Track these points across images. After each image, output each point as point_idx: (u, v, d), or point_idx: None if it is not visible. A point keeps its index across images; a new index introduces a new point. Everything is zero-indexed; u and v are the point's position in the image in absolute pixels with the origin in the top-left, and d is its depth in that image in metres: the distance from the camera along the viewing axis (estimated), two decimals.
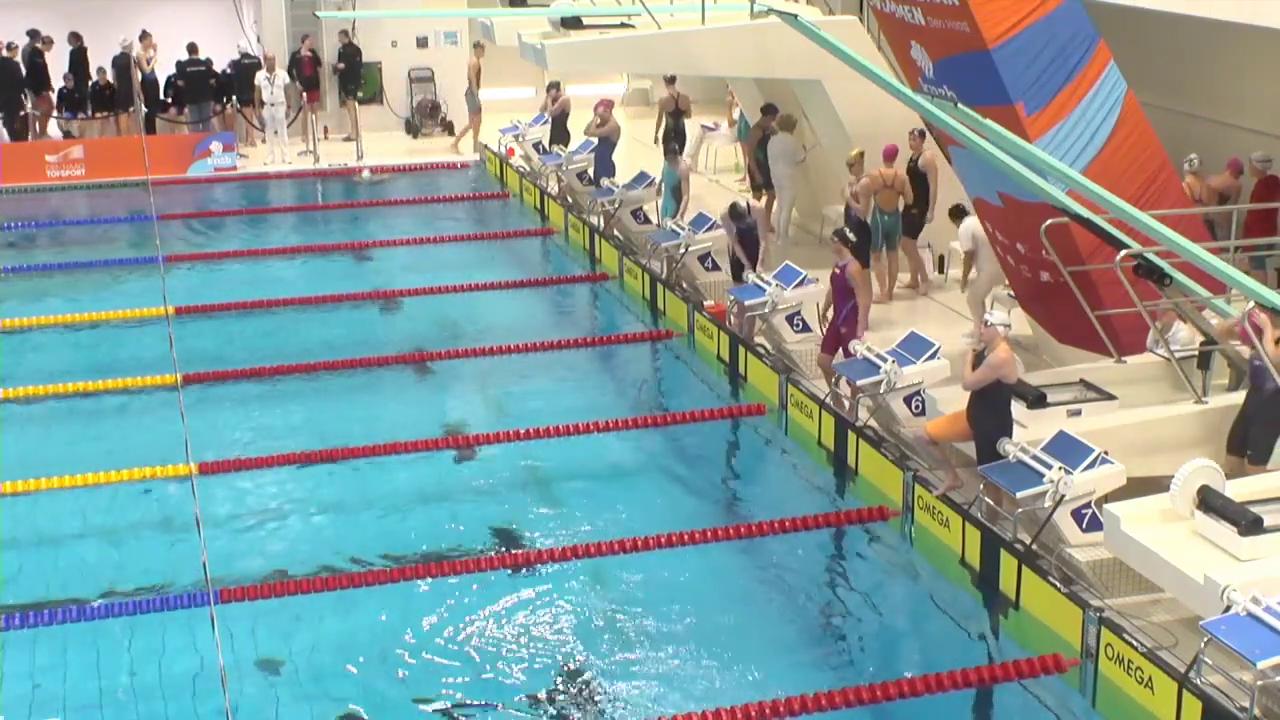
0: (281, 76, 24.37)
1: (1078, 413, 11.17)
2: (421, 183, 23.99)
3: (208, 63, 24.93)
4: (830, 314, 13.50)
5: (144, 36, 24.99)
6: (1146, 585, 9.47)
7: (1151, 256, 10.72)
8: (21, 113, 24.32)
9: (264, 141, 24.83)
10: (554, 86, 22.93)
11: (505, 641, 9.88)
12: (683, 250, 16.52)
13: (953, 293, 16.11)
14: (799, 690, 8.94)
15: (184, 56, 24.92)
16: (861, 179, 15.83)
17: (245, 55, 25.09)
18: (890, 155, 15.88)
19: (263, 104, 24.45)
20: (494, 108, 26.86)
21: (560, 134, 22.20)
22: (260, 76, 24.40)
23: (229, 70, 25.31)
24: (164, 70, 25.15)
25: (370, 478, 12.38)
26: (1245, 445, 10.41)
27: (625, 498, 12.12)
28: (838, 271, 13.14)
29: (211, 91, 24.96)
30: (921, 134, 16.02)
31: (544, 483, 12.46)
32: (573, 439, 12.96)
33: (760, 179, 19.19)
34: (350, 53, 25.75)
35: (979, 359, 10.63)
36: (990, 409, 10.54)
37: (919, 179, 16.09)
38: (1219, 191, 14.73)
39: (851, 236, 13.48)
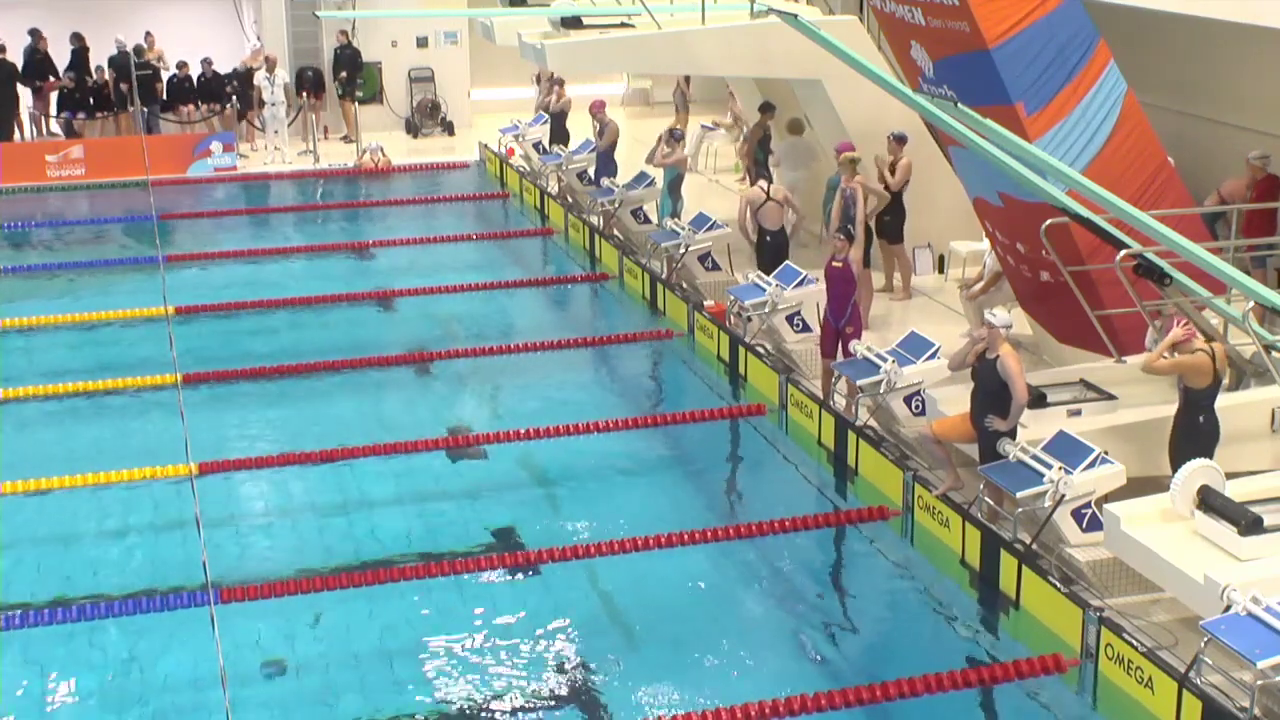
0: (281, 76, 24.37)
1: (1078, 413, 11.18)
2: (421, 183, 24.00)
3: (154, 66, 24.87)
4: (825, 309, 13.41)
5: (147, 37, 25.05)
6: (1146, 585, 9.47)
7: (1151, 256, 10.71)
8: (15, 110, 24.36)
9: (265, 146, 24.83)
10: (559, 84, 22.97)
11: (505, 641, 9.86)
12: (683, 250, 16.52)
13: (952, 293, 16.10)
14: (799, 690, 8.94)
15: (190, 59, 25.04)
16: (855, 179, 15.72)
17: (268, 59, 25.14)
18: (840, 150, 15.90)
19: (262, 104, 24.48)
20: (493, 108, 26.94)
21: (560, 133, 22.21)
22: (260, 76, 24.42)
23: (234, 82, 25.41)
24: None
25: (370, 478, 12.37)
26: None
27: (625, 498, 12.12)
28: (838, 266, 13.09)
29: (157, 95, 24.80)
30: (891, 145, 15.95)
31: (544, 483, 12.46)
32: (573, 439, 12.95)
33: (756, 178, 19.15)
34: (350, 55, 25.76)
35: (981, 360, 10.64)
36: (994, 410, 10.54)
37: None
38: (1224, 196, 14.66)
39: (854, 231, 13.47)
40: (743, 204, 15.91)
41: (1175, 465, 9.86)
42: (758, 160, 19.04)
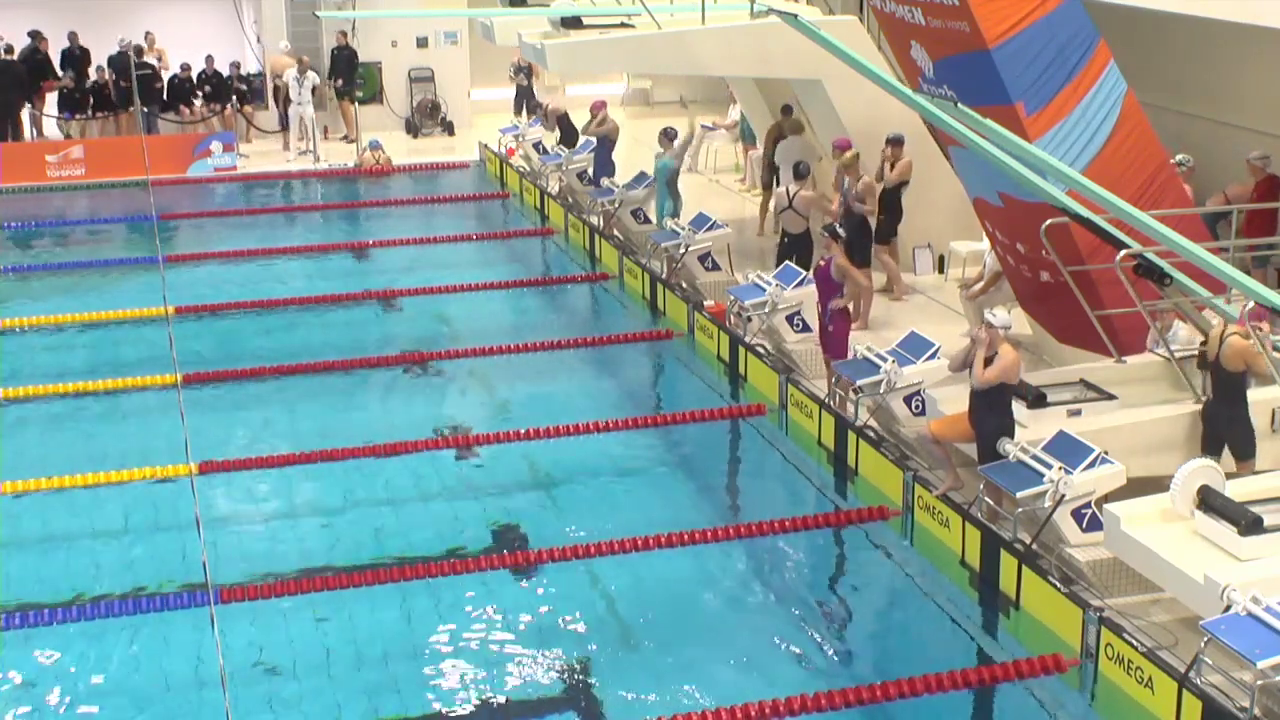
0: (312, 78, 24.42)
1: (1078, 413, 11.17)
2: (421, 183, 24.01)
3: (154, 66, 24.89)
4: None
5: (147, 36, 25.07)
6: (1146, 585, 9.47)
7: (1151, 256, 10.72)
8: (20, 112, 24.36)
9: (282, 146, 24.91)
10: (538, 106, 23.04)
11: (505, 642, 9.87)
12: (683, 250, 16.52)
13: (952, 293, 16.10)
14: (799, 690, 8.94)
15: (190, 59, 25.04)
16: (861, 178, 15.74)
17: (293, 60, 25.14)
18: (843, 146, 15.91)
19: (288, 103, 24.57)
20: (492, 107, 26.96)
21: (569, 135, 22.22)
22: (289, 75, 24.46)
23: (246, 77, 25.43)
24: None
25: (371, 478, 12.37)
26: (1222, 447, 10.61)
27: (625, 498, 12.12)
28: (822, 264, 13.16)
29: (157, 95, 24.83)
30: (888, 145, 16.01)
31: (544, 483, 12.45)
32: (573, 439, 12.95)
33: (769, 178, 19.16)
34: (346, 55, 25.79)
35: (987, 363, 10.63)
36: (992, 409, 10.54)
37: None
38: (1230, 199, 14.64)
39: (840, 231, 13.49)
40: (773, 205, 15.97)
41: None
42: (770, 161, 18.99)
